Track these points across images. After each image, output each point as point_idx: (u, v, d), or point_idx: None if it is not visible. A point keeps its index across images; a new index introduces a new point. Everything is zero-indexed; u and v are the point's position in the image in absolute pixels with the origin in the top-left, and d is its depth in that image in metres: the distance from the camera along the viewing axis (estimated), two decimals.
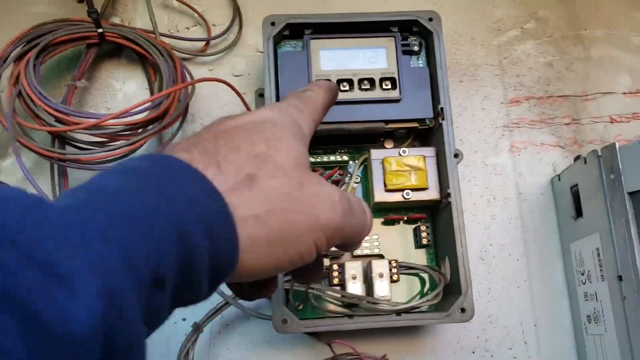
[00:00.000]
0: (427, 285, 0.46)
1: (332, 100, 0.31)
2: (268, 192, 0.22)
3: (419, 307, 0.42)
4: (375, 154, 0.45)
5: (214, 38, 0.53)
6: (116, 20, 0.53)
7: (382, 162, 0.45)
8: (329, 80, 0.43)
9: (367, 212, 0.27)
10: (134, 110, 0.43)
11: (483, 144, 0.52)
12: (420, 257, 0.47)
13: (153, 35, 0.51)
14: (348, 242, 0.26)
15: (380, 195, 0.45)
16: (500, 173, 0.52)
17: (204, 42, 0.53)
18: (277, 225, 0.22)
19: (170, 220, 0.19)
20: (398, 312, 0.42)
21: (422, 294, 0.45)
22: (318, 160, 0.48)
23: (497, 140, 0.52)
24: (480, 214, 0.50)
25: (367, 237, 0.46)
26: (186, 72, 0.49)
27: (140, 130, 0.46)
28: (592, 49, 0.55)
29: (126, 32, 0.49)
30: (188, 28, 0.54)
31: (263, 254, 0.22)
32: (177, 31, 0.54)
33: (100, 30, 0.48)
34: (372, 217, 0.27)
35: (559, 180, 0.49)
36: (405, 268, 0.46)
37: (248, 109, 0.48)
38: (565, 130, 0.53)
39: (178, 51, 0.52)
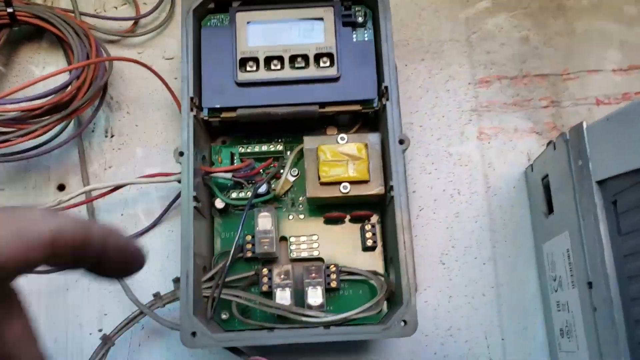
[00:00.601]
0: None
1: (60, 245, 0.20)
2: None
3: (354, 319, 0.36)
4: (309, 142, 0.39)
5: (143, 16, 0.47)
6: None
7: (316, 151, 0.39)
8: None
9: None
10: (20, 96, 0.38)
11: (447, 130, 0.45)
12: (374, 262, 0.41)
13: (73, 14, 0.46)
14: None
15: (314, 190, 0.39)
16: (467, 164, 0.45)
17: (132, 22, 0.47)
18: None
19: None
20: (327, 325, 0.35)
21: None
22: (249, 150, 0.42)
23: (463, 126, 0.46)
24: (442, 211, 0.44)
25: (304, 238, 0.41)
26: (103, 52, 0.44)
27: (46, 117, 0.41)
28: (577, 21, 0.48)
29: (40, 11, 0.44)
30: (116, 7, 0.49)
31: None
32: (105, 11, 0.48)
33: (10, 9, 0.43)
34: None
35: (532, 171, 0.42)
36: (346, 274, 0.39)
37: (173, 95, 0.43)
38: (543, 113, 0.46)
39: (104, 33, 0.47)
